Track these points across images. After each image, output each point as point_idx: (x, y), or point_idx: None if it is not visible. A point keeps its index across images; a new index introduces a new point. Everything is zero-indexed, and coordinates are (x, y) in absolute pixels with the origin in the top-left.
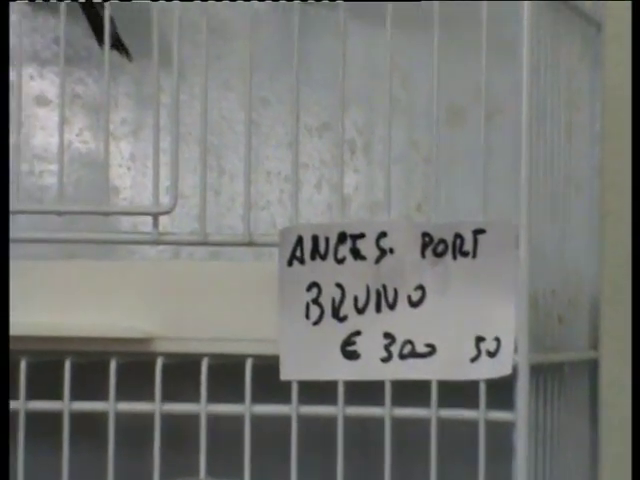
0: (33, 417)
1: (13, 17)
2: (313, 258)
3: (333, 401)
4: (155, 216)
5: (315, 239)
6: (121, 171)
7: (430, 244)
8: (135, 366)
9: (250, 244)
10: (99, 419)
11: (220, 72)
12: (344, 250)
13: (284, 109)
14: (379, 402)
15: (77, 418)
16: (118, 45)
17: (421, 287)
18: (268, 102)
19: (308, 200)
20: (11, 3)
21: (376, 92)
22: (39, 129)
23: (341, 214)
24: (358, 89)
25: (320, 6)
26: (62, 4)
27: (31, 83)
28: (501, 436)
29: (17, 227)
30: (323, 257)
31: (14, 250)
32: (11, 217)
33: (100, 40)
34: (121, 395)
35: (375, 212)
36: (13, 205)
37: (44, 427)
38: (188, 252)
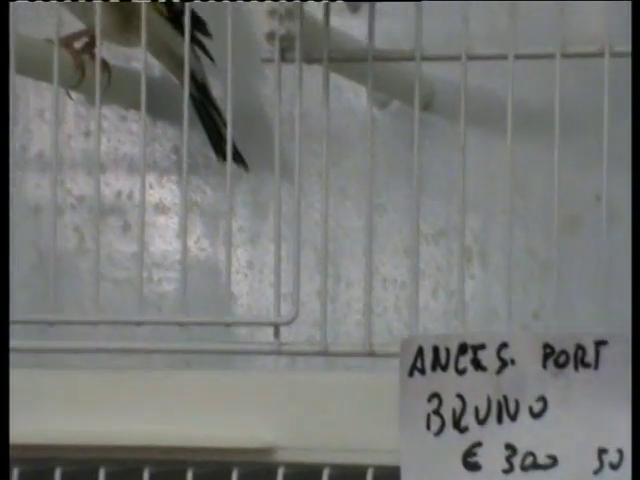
0: None
1: (134, 127)
2: (434, 369)
3: None
4: (276, 326)
5: (436, 349)
6: (238, 278)
7: (551, 355)
8: (255, 476)
9: (371, 355)
10: None
11: (337, 179)
12: (465, 361)
13: (400, 216)
14: None
15: None
16: (235, 155)
17: (543, 398)
18: (384, 209)
19: (424, 307)
20: (130, 113)
21: (492, 199)
22: (158, 237)
23: (460, 322)
24: (474, 196)
25: (438, 115)
26: (185, 115)
27: (150, 191)
28: None
29: (137, 335)
30: (444, 368)
31: (132, 360)
32: (131, 327)
33: (217, 151)
34: None
35: (492, 319)
36: (135, 315)
37: None
38: (304, 358)
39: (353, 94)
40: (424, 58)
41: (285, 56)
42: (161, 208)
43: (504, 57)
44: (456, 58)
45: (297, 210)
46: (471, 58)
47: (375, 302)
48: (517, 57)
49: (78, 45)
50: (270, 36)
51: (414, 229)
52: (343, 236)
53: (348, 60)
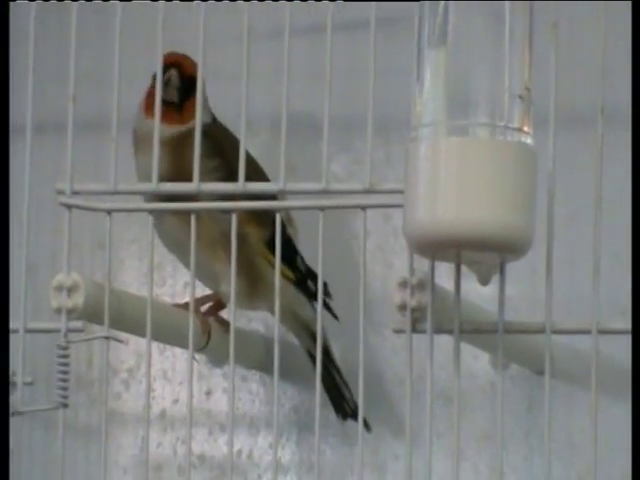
0: None
1: (254, 387)
2: None
3: None
4: None
5: None
6: None
7: None
8: None
9: None
10: None
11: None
12: None
13: (518, 478)
14: None
15: None
16: (353, 414)
17: None
18: (503, 473)
19: None
20: (250, 373)
21: (613, 464)
22: None
23: None
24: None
25: (556, 378)
26: (317, 382)
27: (269, 451)
28: None
29: None
30: None
31: None
32: None
33: (338, 411)
34: None
35: None
36: None
37: None
38: None
39: (472, 357)
40: (555, 331)
41: (416, 327)
42: (280, 468)
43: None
44: (586, 332)
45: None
46: (602, 332)
47: None
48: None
49: (203, 308)
50: (402, 307)
51: None
52: None
53: (478, 332)
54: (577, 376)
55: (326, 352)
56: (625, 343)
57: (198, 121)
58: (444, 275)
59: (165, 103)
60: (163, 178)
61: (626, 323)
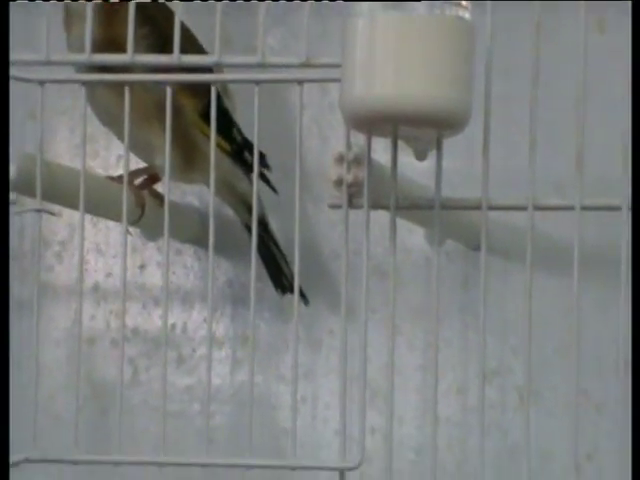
0: None
1: (189, 260)
2: None
3: None
4: (342, 472)
5: None
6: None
7: None
8: None
9: None
10: None
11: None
12: None
13: (453, 354)
14: None
15: None
16: (292, 289)
17: None
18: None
19: (476, 447)
20: (185, 247)
21: (546, 339)
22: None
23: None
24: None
25: (491, 254)
26: (253, 253)
27: (203, 325)
28: None
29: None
30: None
31: None
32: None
33: (276, 284)
34: None
35: (546, 461)
36: (201, 456)
37: None
38: None
39: (407, 232)
40: (491, 208)
41: (352, 202)
42: (215, 341)
43: (571, 208)
44: (522, 208)
45: (363, 354)
46: (537, 209)
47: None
48: (584, 209)
49: (138, 181)
50: (338, 182)
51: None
52: (396, 373)
53: (415, 208)
54: (512, 252)
55: (263, 225)
56: (559, 219)
57: None
58: (381, 150)
59: None
60: (95, 48)
61: (561, 199)
